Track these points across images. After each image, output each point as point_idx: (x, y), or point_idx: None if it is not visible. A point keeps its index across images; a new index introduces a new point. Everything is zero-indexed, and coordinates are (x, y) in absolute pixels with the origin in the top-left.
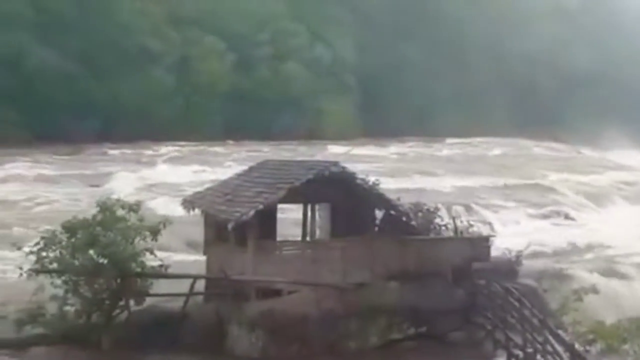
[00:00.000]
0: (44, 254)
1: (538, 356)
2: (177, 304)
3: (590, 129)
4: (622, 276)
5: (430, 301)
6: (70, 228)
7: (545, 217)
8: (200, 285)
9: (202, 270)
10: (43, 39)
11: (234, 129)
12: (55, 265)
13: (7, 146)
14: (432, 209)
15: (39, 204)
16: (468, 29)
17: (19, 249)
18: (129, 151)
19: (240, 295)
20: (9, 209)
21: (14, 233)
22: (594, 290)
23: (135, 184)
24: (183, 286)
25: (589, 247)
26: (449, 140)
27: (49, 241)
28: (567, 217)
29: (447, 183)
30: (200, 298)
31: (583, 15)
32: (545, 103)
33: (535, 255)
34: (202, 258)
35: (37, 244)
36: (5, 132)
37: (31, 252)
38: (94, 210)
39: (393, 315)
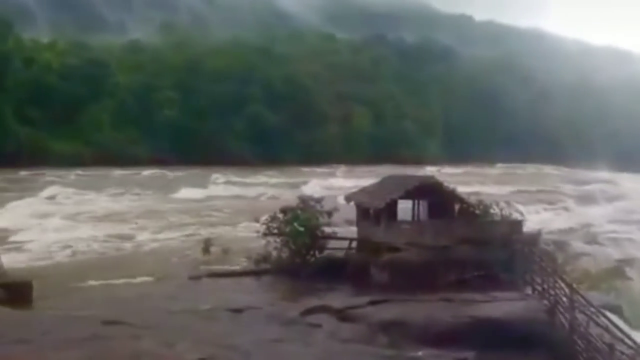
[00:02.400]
0: (270, 224)
1: (550, 290)
2: (340, 254)
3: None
4: (600, 244)
5: (487, 257)
6: (284, 210)
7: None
8: (354, 244)
9: (354, 236)
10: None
11: (380, 156)
12: (275, 231)
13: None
14: (487, 204)
15: (266, 199)
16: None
17: (257, 221)
18: (318, 169)
19: (376, 250)
20: (250, 199)
21: (251, 214)
22: (584, 253)
23: (321, 187)
24: (344, 244)
25: (581, 227)
26: (499, 165)
27: (273, 217)
28: (566, 209)
29: (496, 190)
30: (354, 251)
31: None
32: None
33: (549, 232)
34: (354, 229)
35: (266, 219)
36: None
37: (263, 224)
38: (296, 202)
39: (464, 264)
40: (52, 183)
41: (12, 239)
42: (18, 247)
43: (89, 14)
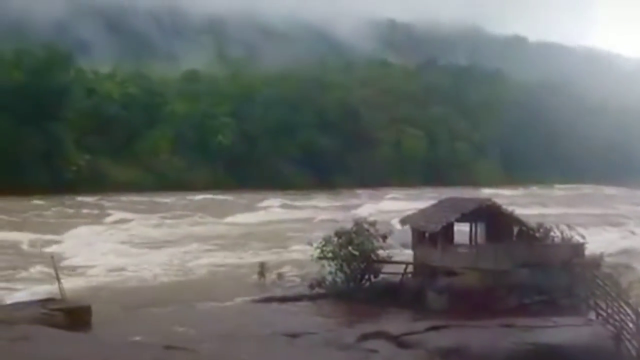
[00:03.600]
0: (324, 248)
1: (615, 315)
2: (396, 278)
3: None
4: None
5: (548, 281)
6: (338, 233)
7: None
8: (410, 268)
9: (410, 259)
10: None
11: (433, 179)
12: (330, 254)
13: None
14: (548, 226)
15: (320, 222)
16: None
17: (311, 244)
18: (371, 192)
19: (433, 274)
20: (304, 223)
21: (305, 238)
22: None
23: (374, 210)
24: (400, 268)
25: None
26: (557, 186)
27: (327, 241)
28: (629, 230)
29: (555, 211)
30: (410, 276)
31: None
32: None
33: (611, 255)
34: (410, 252)
35: (321, 242)
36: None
37: (317, 247)
38: (351, 224)
39: (524, 288)
40: (111, 209)
41: (73, 263)
42: (79, 272)
43: (144, 43)
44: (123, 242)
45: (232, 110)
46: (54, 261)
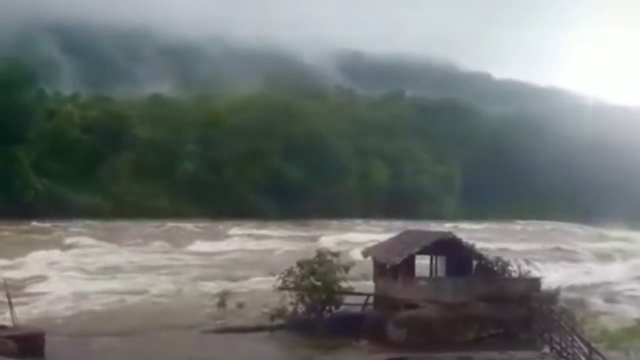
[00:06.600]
0: (286, 278)
1: (568, 348)
2: (357, 309)
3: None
4: (619, 302)
5: (505, 315)
6: (301, 264)
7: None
8: (371, 299)
9: (372, 291)
10: None
11: (398, 211)
12: (292, 285)
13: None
14: (506, 261)
15: (282, 252)
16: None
17: (273, 275)
18: (335, 223)
19: (393, 306)
20: (267, 253)
21: (267, 268)
22: (603, 312)
23: (338, 241)
24: (361, 299)
25: (599, 285)
26: (518, 221)
27: (289, 271)
28: (584, 266)
29: (515, 246)
30: (371, 307)
31: None
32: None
33: (567, 290)
34: (371, 284)
35: (283, 273)
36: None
37: (279, 278)
38: (314, 254)
39: (482, 321)
40: (69, 235)
41: (27, 290)
42: (34, 299)
43: (108, 66)
44: (79, 269)
45: (198, 136)
46: (7, 287)
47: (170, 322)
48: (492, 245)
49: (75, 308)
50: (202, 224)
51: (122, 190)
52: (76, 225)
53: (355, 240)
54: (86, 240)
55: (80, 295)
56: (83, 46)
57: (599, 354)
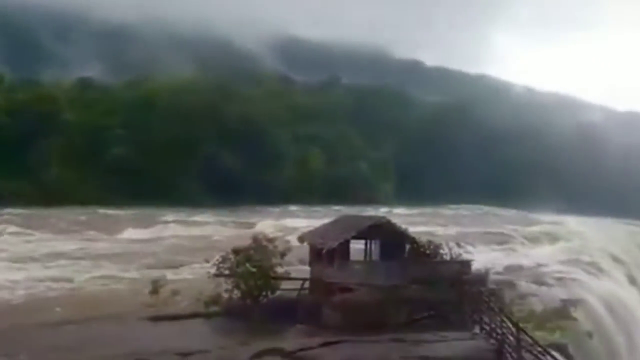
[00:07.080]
0: (221, 265)
1: (498, 329)
2: (293, 294)
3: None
4: (546, 284)
5: (437, 297)
6: (236, 251)
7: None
8: (307, 284)
9: (307, 276)
10: None
11: (334, 197)
12: (227, 272)
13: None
14: (438, 244)
15: (218, 239)
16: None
17: (207, 262)
18: (272, 209)
19: (329, 290)
20: (201, 240)
21: (202, 254)
22: (531, 293)
23: (273, 227)
24: (297, 285)
25: (527, 267)
26: (450, 206)
27: (224, 258)
28: (513, 250)
29: (446, 230)
30: (307, 292)
31: None
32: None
33: (496, 272)
34: (307, 268)
35: (218, 259)
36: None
37: (214, 264)
38: (250, 241)
39: (415, 303)
40: None
41: None
42: None
43: (38, 48)
44: (3, 258)
45: (129, 120)
46: None
47: (100, 311)
48: (425, 229)
49: (2, 298)
50: (132, 211)
51: (50, 176)
52: (1, 213)
53: (292, 226)
54: (12, 228)
55: (8, 285)
56: (7, 26)
57: (527, 334)
